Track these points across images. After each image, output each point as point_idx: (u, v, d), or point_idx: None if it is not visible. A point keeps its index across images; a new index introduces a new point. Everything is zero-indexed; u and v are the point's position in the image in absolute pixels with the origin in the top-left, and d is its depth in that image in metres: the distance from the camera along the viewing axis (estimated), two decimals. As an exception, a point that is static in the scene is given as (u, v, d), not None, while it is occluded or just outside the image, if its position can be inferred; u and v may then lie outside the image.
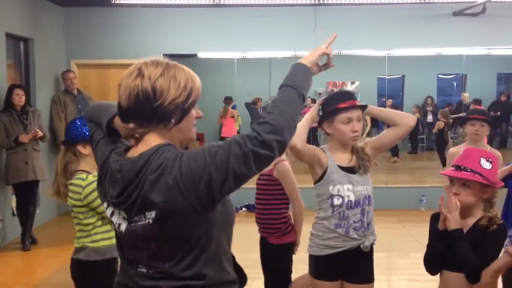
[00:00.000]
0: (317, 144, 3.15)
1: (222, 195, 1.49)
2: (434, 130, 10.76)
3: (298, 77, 1.67)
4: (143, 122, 1.55)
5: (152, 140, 1.56)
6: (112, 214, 1.61)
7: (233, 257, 1.69)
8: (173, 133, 1.58)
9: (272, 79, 11.30)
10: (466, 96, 11.00)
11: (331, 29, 9.38)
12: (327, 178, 2.73)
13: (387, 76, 10.94)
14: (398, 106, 12.45)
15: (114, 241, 2.87)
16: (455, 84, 12.90)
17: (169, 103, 1.53)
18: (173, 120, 1.55)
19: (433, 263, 2.40)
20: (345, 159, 2.79)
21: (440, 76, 12.89)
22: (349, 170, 2.76)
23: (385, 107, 11.75)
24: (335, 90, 12.52)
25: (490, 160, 2.29)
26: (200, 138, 9.79)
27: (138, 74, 1.55)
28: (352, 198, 2.71)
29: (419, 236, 5.80)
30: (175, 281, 1.54)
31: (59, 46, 8.19)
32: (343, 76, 12.29)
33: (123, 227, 1.57)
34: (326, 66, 1.87)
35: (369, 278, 2.84)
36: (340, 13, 8.42)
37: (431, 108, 11.71)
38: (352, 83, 12.96)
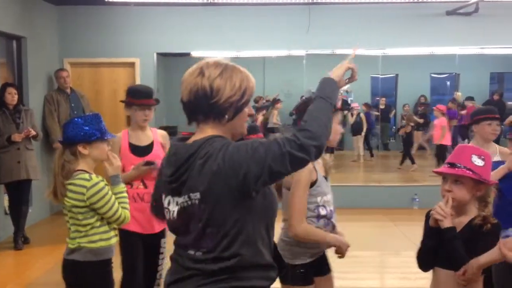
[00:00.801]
0: None
1: (257, 187, 1.66)
2: (401, 133, 10.86)
3: (328, 90, 1.82)
4: (202, 116, 1.77)
5: (207, 131, 1.77)
6: (168, 203, 1.82)
7: (275, 246, 1.82)
8: (227, 128, 1.79)
9: (266, 78, 11.29)
10: (459, 95, 11.04)
11: (325, 28, 9.44)
12: (316, 190, 2.68)
13: (381, 75, 10.98)
14: (391, 105, 12.49)
15: (111, 242, 2.89)
16: (448, 83, 12.94)
17: (224, 101, 1.74)
18: (227, 116, 1.76)
19: (425, 260, 2.42)
20: (322, 167, 2.79)
21: (433, 75, 12.92)
22: (326, 178, 2.78)
23: (378, 106, 11.80)
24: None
25: (483, 157, 2.30)
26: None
27: (199, 73, 1.77)
28: (332, 206, 2.75)
29: (411, 235, 5.82)
30: (217, 262, 1.70)
31: (52, 45, 8.16)
32: (337, 75, 12.31)
33: (175, 213, 1.78)
34: (350, 79, 2.06)
35: (330, 268, 2.88)
36: (334, 12, 8.44)
37: (423, 107, 11.73)
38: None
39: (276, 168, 1.61)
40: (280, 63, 10.60)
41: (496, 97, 11.65)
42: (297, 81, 9.48)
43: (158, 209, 1.98)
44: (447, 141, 9.53)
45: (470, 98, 10.78)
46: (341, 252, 2.73)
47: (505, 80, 13.94)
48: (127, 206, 2.89)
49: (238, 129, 1.83)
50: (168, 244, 3.29)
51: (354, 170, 10.70)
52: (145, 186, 3.49)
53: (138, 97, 3.56)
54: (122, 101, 3.68)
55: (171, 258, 1.88)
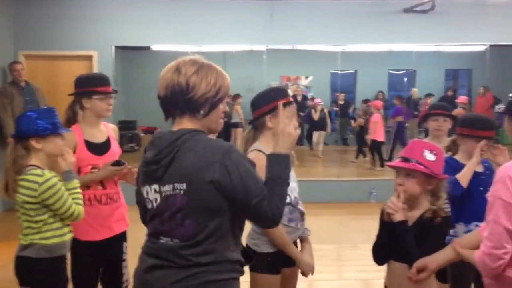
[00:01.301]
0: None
1: (231, 202, 1.80)
2: (355, 125, 11.08)
3: (282, 170, 1.89)
4: (178, 111, 1.86)
5: (186, 124, 1.86)
6: (147, 193, 1.88)
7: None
8: (203, 122, 1.88)
9: (226, 73, 11.26)
10: (416, 92, 11.30)
11: (286, 24, 9.48)
12: None
13: (340, 71, 11.12)
14: (350, 100, 12.68)
15: (64, 238, 2.83)
16: (405, 79, 13.22)
17: (199, 97, 1.84)
18: (202, 112, 1.86)
19: (380, 254, 2.47)
20: None
21: (391, 71, 13.18)
22: None
23: (337, 101, 11.96)
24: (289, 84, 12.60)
25: (435, 152, 2.36)
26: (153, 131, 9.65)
27: (175, 70, 1.86)
28: (296, 194, 2.77)
29: (368, 228, 5.90)
30: (190, 254, 1.79)
31: (7, 37, 7.91)
32: (296, 70, 12.40)
33: (158, 200, 1.84)
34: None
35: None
36: (295, 8, 8.48)
37: (383, 103, 11.95)
38: (306, 77, 13.10)
39: (251, 210, 1.79)
40: (241, 58, 10.60)
41: (450, 93, 11.98)
42: (258, 76, 9.51)
43: (142, 213, 2.02)
44: (379, 136, 9.71)
45: (429, 95, 11.04)
46: (303, 274, 2.77)
47: (459, 77, 14.35)
48: (81, 202, 2.84)
49: (213, 124, 1.92)
50: (131, 247, 3.22)
51: (314, 164, 10.82)
52: (104, 187, 3.14)
53: (98, 84, 3.17)
54: (77, 93, 3.17)
55: (142, 249, 1.94)
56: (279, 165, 1.87)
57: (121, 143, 10.81)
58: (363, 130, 10.49)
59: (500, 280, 1.97)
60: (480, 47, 9.69)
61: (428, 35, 8.75)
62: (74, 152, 3.02)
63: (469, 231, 2.98)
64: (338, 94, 11.89)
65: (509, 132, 2.14)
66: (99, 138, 3.20)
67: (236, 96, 10.75)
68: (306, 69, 12.29)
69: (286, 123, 1.93)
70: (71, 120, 3.17)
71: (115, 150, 3.27)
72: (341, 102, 11.99)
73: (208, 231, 1.80)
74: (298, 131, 1.97)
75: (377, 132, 9.71)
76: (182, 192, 1.79)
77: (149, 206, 1.89)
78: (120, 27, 8.23)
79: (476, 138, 3.05)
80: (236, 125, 10.76)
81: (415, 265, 2.23)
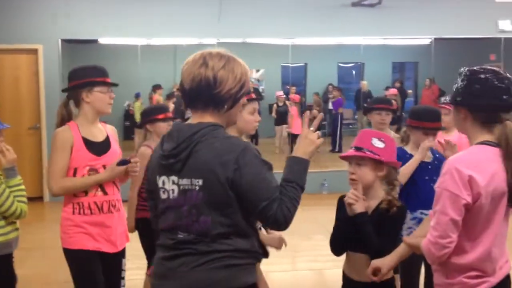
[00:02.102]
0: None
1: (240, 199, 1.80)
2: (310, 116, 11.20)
3: (303, 175, 1.93)
4: (201, 104, 1.85)
5: (207, 118, 1.86)
6: (163, 183, 1.87)
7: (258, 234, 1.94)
8: (224, 117, 1.89)
9: (177, 67, 11.15)
10: (365, 84, 11.51)
11: (236, 17, 9.45)
12: None
13: (291, 64, 11.20)
14: (301, 93, 12.79)
15: (8, 237, 2.76)
16: (354, 72, 13.45)
17: (225, 92, 1.84)
18: (225, 107, 1.86)
19: (338, 245, 2.51)
20: None
21: (340, 64, 13.37)
22: None
23: (288, 94, 12.05)
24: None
25: (382, 139, 2.44)
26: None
27: (203, 63, 1.85)
28: None
29: (321, 219, 6.02)
30: (209, 245, 1.80)
31: None
32: (248, 63, 12.35)
33: (175, 192, 1.84)
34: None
35: (267, 253, 2.95)
36: (245, 1, 8.48)
37: (332, 96, 12.14)
38: (257, 70, 13.12)
39: (259, 212, 1.79)
40: (191, 52, 10.38)
41: (397, 85, 12.29)
42: (209, 69, 9.46)
43: (152, 204, 1.99)
44: (295, 129, 9.84)
45: (388, 88, 11.26)
46: (278, 246, 2.77)
47: (405, 69, 14.72)
48: (25, 199, 2.78)
49: (232, 119, 1.95)
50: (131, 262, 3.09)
51: (273, 157, 10.85)
52: (105, 193, 2.80)
53: (98, 74, 2.82)
54: (76, 85, 2.79)
55: (157, 244, 1.94)
56: (299, 169, 1.90)
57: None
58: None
59: (445, 266, 2.05)
60: (425, 41, 9.97)
61: (375, 28, 8.94)
62: (71, 151, 2.73)
63: (414, 218, 3.10)
64: (289, 87, 11.97)
65: (453, 122, 2.22)
66: (98, 137, 2.85)
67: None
68: (257, 62, 12.30)
69: (310, 130, 1.95)
70: (66, 120, 2.84)
71: (116, 150, 2.92)
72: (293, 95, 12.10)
73: (223, 227, 1.81)
74: (321, 140, 1.97)
75: (294, 125, 9.81)
76: (198, 188, 1.79)
77: (164, 196, 1.88)
78: (67, 19, 8.01)
79: (423, 129, 3.15)
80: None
81: (370, 267, 2.28)
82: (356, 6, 8.81)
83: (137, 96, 10.50)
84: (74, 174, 2.73)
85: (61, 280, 4.72)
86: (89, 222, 2.73)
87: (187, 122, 1.90)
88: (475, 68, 2.03)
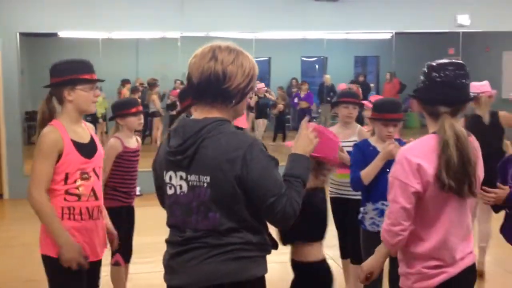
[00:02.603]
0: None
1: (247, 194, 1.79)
2: (275, 112, 11.30)
3: (302, 169, 1.93)
4: (210, 98, 1.84)
5: (213, 113, 1.85)
6: (170, 179, 1.86)
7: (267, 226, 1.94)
8: (231, 111, 1.89)
9: (139, 61, 11.03)
10: (328, 78, 11.62)
11: (199, 11, 9.36)
12: None
13: (254, 58, 11.18)
14: (266, 87, 12.83)
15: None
16: (317, 66, 13.56)
17: (234, 87, 1.83)
18: (233, 101, 1.85)
19: (284, 235, 2.60)
20: None
21: (303, 58, 13.46)
22: None
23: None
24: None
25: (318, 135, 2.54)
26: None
27: (212, 57, 1.82)
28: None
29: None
30: (220, 239, 1.81)
31: None
32: (211, 58, 12.36)
33: (185, 188, 1.83)
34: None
35: None
36: (207, -5, 8.43)
37: (296, 90, 12.22)
38: (221, 65, 13.11)
39: (267, 208, 1.77)
40: (154, 45, 10.40)
41: (360, 79, 12.45)
42: (172, 64, 9.38)
43: (162, 199, 2.01)
44: (242, 124, 9.91)
45: (354, 82, 11.38)
46: None
47: (367, 63, 14.93)
48: None
49: (239, 113, 1.95)
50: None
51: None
52: (96, 198, 2.64)
53: (83, 70, 2.61)
54: (57, 83, 2.60)
55: (167, 241, 1.95)
56: (303, 166, 1.92)
57: (29, 135, 10.28)
58: (282, 114, 10.66)
59: (405, 255, 2.12)
60: (387, 35, 10.13)
61: (338, 23, 9.02)
62: (60, 156, 2.51)
63: (376, 209, 3.18)
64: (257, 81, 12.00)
65: (417, 110, 2.26)
66: (84, 138, 2.65)
67: (153, 85, 10.55)
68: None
69: (309, 130, 2.02)
70: (48, 119, 2.62)
71: (101, 150, 2.76)
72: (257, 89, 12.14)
73: (231, 223, 1.81)
74: (317, 140, 2.04)
75: (239, 120, 9.85)
76: (205, 184, 1.79)
77: (171, 191, 1.88)
78: (24, 12, 7.81)
79: (383, 121, 3.20)
80: (154, 115, 10.57)
81: (362, 272, 2.36)
82: (319, 1, 8.87)
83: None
84: (66, 180, 2.53)
85: (23, 278, 4.64)
86: (78, 228, 2.56)
87: (192, 117, 1.89)
88: (433, 63, 2.09)
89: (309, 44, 11.41)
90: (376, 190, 3.15)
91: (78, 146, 2.58)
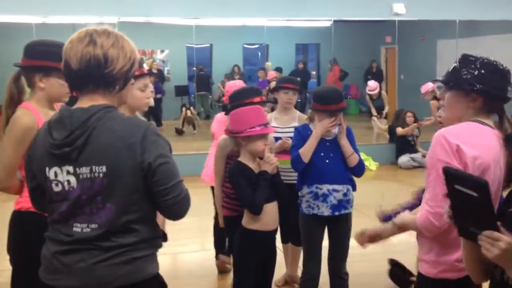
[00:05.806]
0: None
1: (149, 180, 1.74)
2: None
3: None
4: (92, 85, 1.73)
5: (98, 100, 1.74)
6: (56, 175, 1.73)
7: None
8: (116, 97, 1.79)
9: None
10: (269, 65, 11.69)
11: (138, -5, 8.89)
12: None
13: (195, 45, 11.11)
14: (208, 74, 12.76)
15: None
16: (259, 53, 13.61)
17: (117, 71, 1.74)
18: (117, 87, 1.77)
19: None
20: None
21: (245, 46, 13.46)
22: None
23: (194, 75, 11.96)
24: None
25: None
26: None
27: (90, 41, 1.72)
28: None
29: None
30: (111, 238, 1.72)
31: None
32: (152, 44, 12.14)
33: (73, 182, 1.72)
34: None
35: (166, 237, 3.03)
36: (146, -21, 8.27)
37: (238, 76, 12.22)
38: (162, 51, 12.90)
39: (168, 193, 1.75)
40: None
41: (301, 66, 12.61)
42: (111, 49, 9.16)
43: (41, 200, 1.84)
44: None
45: (278, 69, 11.49)
46: None
47: (308, 51, 15.12)
48: None
49: (123, 99, 1.86)
50: None
51: (175, 139, 10.78)
52: None
53: (61, 58, 2.45)
54: (29, 66, 2.40)
55: (46, 236, 1.82)
56: None
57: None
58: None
59: (441, 241, 2.04)
60: (326, 23, 10.27)
61: (278, 10, 9.06)
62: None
63: (310, 192, 3.23)
64: (194, 68, 11.90)
65: (448, 105, 2.19)
66: None
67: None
68: (161, 43, 12.09)
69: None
70: (16, 100, 2.43)
71: None
72: (202, 73, 12.11)
73: (131, 214, 1.74)
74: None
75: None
76: (101, 175, 1.69)
77: (57, 188, 1.74)
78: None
79: (328, 112, 3.20)
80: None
81: (367, 234, 2.40)
82: (259, -13, 8.87)
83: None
84: None
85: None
86: None
87: (76, 106, 1.76)
88: (487, 58, 2.05)
89: (250, 31, 11.42)
90: (310, 173, 3.21)
91: None
